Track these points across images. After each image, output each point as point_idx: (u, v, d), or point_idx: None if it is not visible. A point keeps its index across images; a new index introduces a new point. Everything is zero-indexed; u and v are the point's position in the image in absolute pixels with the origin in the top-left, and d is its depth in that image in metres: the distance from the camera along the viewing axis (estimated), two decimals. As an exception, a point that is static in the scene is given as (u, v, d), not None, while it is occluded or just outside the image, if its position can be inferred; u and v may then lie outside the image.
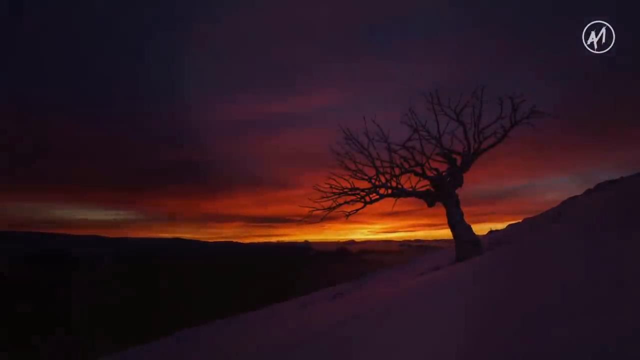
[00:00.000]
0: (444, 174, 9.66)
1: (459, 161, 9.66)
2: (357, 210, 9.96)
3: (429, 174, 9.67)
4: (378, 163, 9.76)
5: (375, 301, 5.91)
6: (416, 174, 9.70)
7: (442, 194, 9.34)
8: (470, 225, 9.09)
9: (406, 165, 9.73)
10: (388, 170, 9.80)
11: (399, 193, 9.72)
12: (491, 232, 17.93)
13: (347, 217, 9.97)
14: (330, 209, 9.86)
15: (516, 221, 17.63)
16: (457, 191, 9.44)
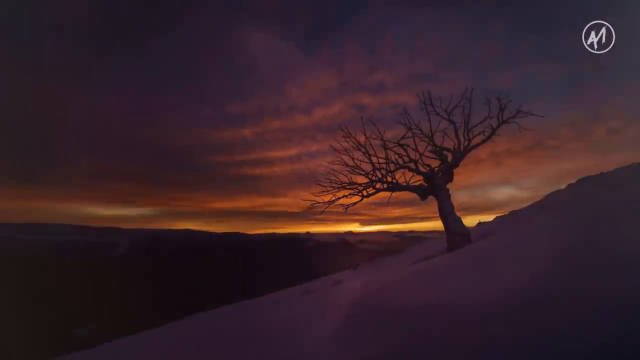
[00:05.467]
0: (435, 169, 9.75)
1: (449, 158, 9.75)
2: (355, 203, 10.08)
3: (422, 169, 9.76)
4: (374, 159, 9.86)
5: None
6: (410, 169, 9.79)
7: (434, 188, 9.43)
8: (460, 218, 9.20)
9: (401, 162, 9.82)
10: (384, 166, 9.90)
11: (394, 187, 9.82)
12: (480, 224, 18.07)
13: (346, 209, 10.09)
14: (330, 202, 9.97)
15: (503, 214, 17.78)
16: (448, 186, 9.54)
